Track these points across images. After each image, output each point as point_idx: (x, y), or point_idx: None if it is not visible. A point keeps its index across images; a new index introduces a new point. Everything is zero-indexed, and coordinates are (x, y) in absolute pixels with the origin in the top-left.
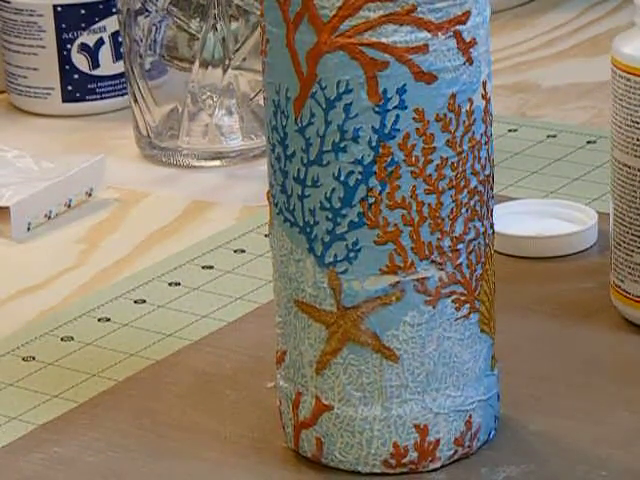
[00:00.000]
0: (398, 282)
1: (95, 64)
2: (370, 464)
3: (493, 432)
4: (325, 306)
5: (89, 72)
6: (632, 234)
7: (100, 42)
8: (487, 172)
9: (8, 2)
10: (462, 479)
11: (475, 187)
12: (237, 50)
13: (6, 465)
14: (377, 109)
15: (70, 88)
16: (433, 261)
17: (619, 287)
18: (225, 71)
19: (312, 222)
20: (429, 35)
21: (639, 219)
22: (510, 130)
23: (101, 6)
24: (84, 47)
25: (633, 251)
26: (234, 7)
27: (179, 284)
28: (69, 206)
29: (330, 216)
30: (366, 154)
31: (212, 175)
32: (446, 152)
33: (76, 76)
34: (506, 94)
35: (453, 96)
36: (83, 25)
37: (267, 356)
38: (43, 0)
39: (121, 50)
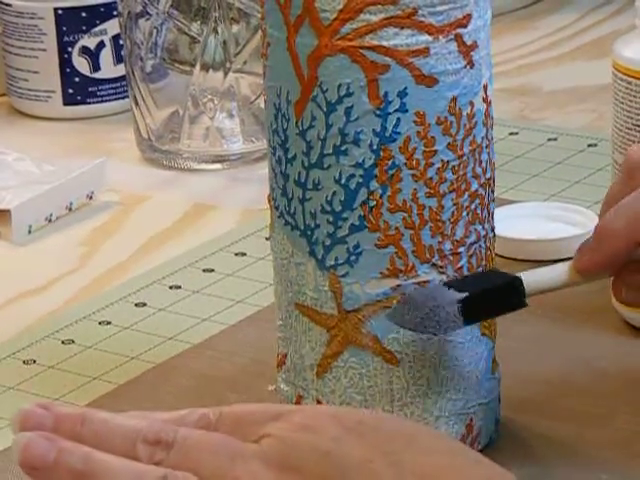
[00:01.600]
0: (399, 285)
1: (96, 67)
2: None
3: (494, 435)
4: (326, 309)
5: (90, 75)
6: None
7: (101, 45)
8: (488, 175)
9: (9, 5)
10: None
11: (476, 190)
12: (238, 53)
13: (7, 468)
14: (378, 112)
15: (71, 91)
16: (434, 264)
17: None
18: (226, 74)
19: (313, 225)
20: (430, 38)
21: None
22: (511, 133)
23: (102, 9)
24: (85, 50)
25: None
26: (235, 10)
27: (180, 287)
28: (70, 209)
29: (331, 219)
30: (367, 157)
31: (213, 178)
32: (447, 155)
33: (77, 79)
34: (507, 97)
35: (454, 99)
36: (84, 28)
37: (268, 359)
38: (44, 3)
39: (122, 53)
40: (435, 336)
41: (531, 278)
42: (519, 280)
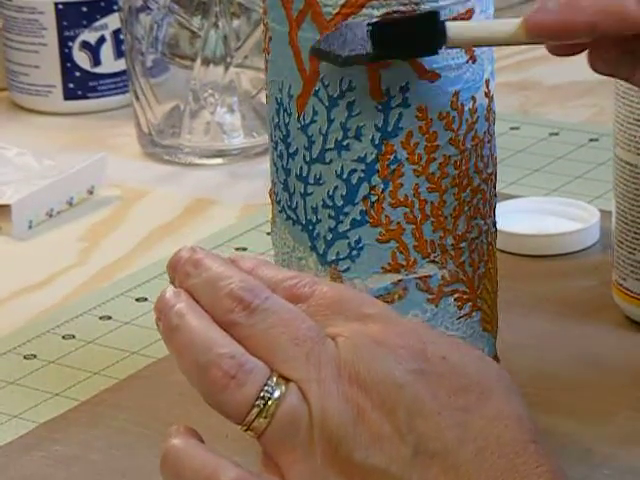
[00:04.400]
0: (400, 280)
1: (96, 62)
2: None
3: None
4: None
5: (90, 70)
6: (634, 232)
7: (101, 40)
8: (490, 170)
9: (10, 0)
10: None
11: (478, 185)
12: (239, 48)
13: (7, 463)
14: (380, 107)
15: (71, 86)
16: (435, 259)
17: (621, 285)
18: (227, 69)
19: (314, 220)
20: None
21: None
22: (512, 128)
23: (103, 3)
24: (85, 45)
25: (635, 249)
26: (236, 4)
27: None
28: (70, 204)
29: (332, 214)
30: (369, 152)
31: (214, 173)
32: (449, 150)
33: (77, 74)
34: (508, 92)
35: (456, 94)
36: (84, 23)
37: None
38: None
39: (122, 48)
40: (340, 60)
41: (466, 24)
42: (436, 14)
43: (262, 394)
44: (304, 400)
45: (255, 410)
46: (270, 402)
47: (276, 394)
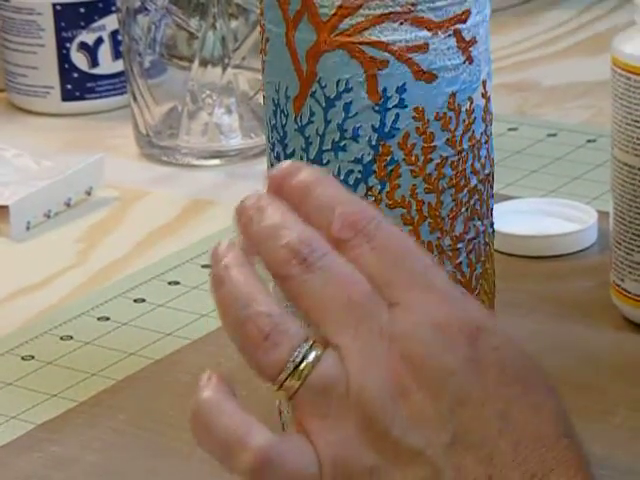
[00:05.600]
0: None
1: (94, 63)
2: None
3: None
4: None
5: (88, 71)
6: (632, 233)
7: (99, 41)
8: (487, 171)
9: (8, 1)
10: None
11: (475, 186)
12: (237, 49)
13: (5, 464)
14: (377, 108)
15: (69, 87)
16: None
17: (619, 286)
18: (224, 70)
19: None
20: (429, 34)
21: (639, 218)
22: (510, 129)
23: (100, 5)
24: (83, 46)
25: (633, 250)
26: (234, 5)
27: (178, 283)
28: (68, 205)
29: None
30: (366, 153)
31: (212, 174)
32: (446, 151)
33: (75, 75)
34: (506, 93)
35: (453, 95)
36: (82, 24)
37: None
38: None
39: (120, 49)
40: None
41: None
42: None
43: (293, 358)
44: (342, 367)
45: (285, 372)
46: (303, 365)
47: (311, 357)
